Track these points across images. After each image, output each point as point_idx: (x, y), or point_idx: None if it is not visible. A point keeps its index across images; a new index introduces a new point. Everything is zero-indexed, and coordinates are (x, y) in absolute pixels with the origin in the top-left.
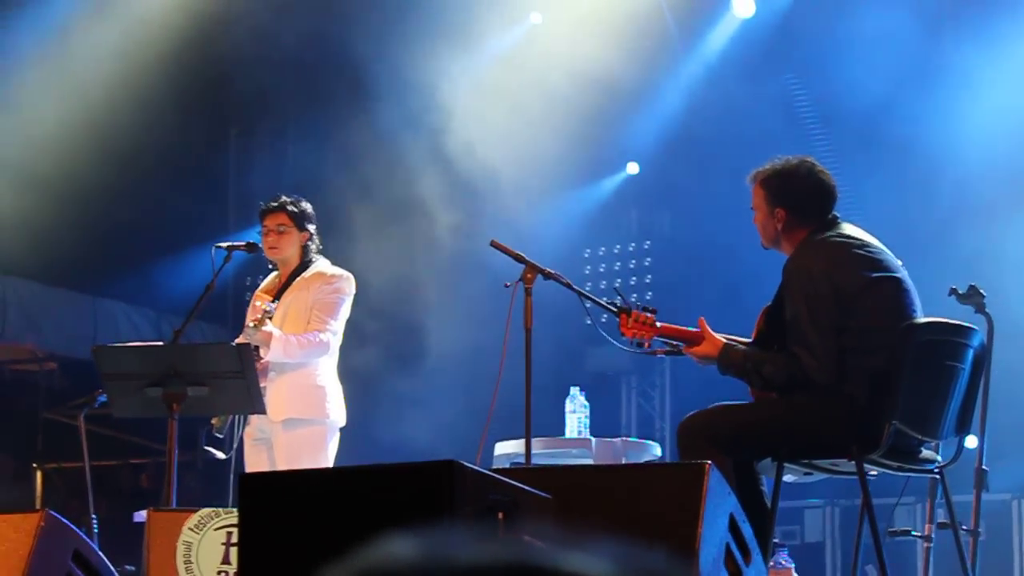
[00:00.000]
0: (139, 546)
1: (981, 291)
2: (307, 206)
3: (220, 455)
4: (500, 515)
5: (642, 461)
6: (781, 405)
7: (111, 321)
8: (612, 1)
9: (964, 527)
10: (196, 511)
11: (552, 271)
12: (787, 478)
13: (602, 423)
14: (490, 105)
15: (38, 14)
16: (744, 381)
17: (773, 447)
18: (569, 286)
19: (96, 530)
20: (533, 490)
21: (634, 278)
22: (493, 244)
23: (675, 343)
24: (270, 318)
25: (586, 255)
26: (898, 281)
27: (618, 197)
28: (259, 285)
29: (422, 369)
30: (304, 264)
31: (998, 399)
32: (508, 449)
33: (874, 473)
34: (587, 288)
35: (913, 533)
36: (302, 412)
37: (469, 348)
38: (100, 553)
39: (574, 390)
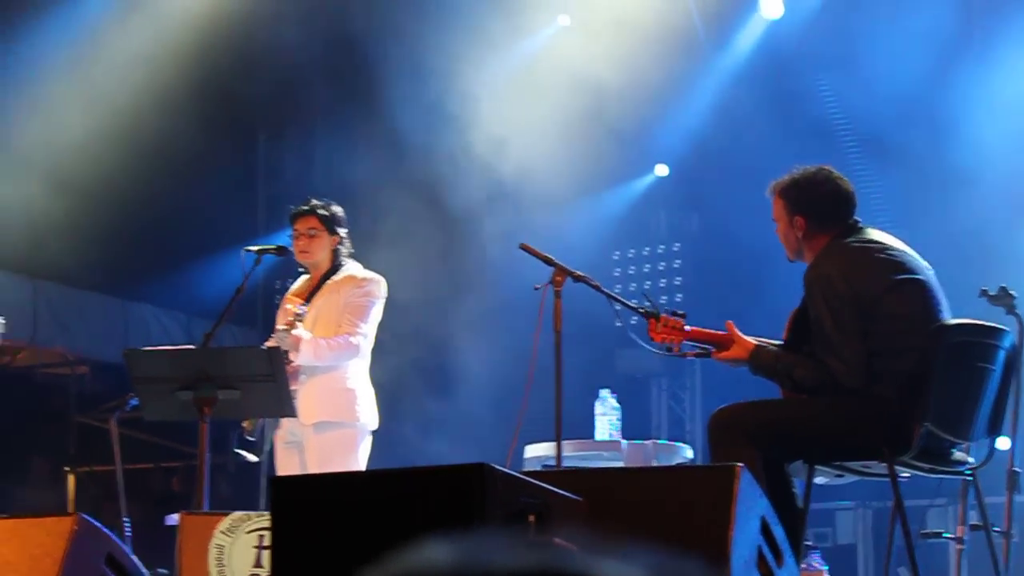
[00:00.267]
0: (171, 549)
1: (1012, 292)
2: (338, 209)
3: (252, 458)
4: (531, 518)
5: (673, 463)
6: (812, 406)
7: (142, 324)
8: (640, 3)
9: (996, 529)
10: (228, 514)
11: (581, 274)
12: (818, 480)
13: (632, 425)
14: (518, 108)
15: (65, 20)
16: (775, 382)
17: (804, 448)
18: (598, 288)
19: (129, 533)
20: (564, 492)
21: (663, 281)
22: (522, 247)
23: (704, 347)
24: (300, 321)
25: (615, 258)
26: (922, 283)
27: (647, 200)
28: (289, 288)
29: (451, 372)
30: (335, 267)
31: None
32: (538, 452)
33: (906, 475)
34: (616, 291)
35: (945, 535)
36: (333, 415)
37: (499, 351)
38: (133, 556)
39: (604, 392)
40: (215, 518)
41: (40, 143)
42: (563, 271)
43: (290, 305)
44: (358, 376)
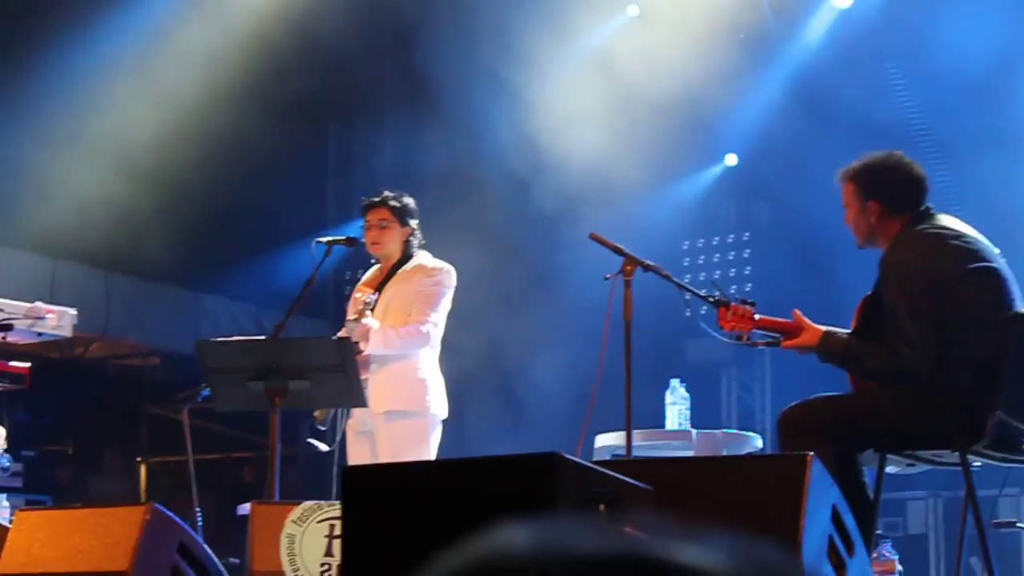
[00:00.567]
0: (243, 539)
1: None
2: (409, 201)
3: (323, 448)
4: (601, 507)
5: (743, 453)
6: (883, 397)
7: (213, 316)
8: None
9: None
10: (299, 504)
11: (651, 263)
12: (889, 469)
13: (702, 415)
14: (587, 98)
15: (133, 17)
16: (845, 370)
17: (875, 438)
18: (668, 278)
19: (200, 523)
20: (634, 482)
21: (732, 270)
22: (593, 237)
23: (774, 335)
24: (371, 310)
25: (684, 247)
26: (995, 271)
27: (716, 189)
28: (359, 279)
29: (521, 362)
30: (406, 257)
31: None
32: (608, 441)
33: (977, 464)
34: (685, 280)
35: (1018, 524)
36: (403, 404)
37: (568, 340)
38: (205, 546)
39: (674, 382)
40: (286, 508)
41: (111, 138)
42: (633, 261)
43: (360, 294)
44: (428, 365)
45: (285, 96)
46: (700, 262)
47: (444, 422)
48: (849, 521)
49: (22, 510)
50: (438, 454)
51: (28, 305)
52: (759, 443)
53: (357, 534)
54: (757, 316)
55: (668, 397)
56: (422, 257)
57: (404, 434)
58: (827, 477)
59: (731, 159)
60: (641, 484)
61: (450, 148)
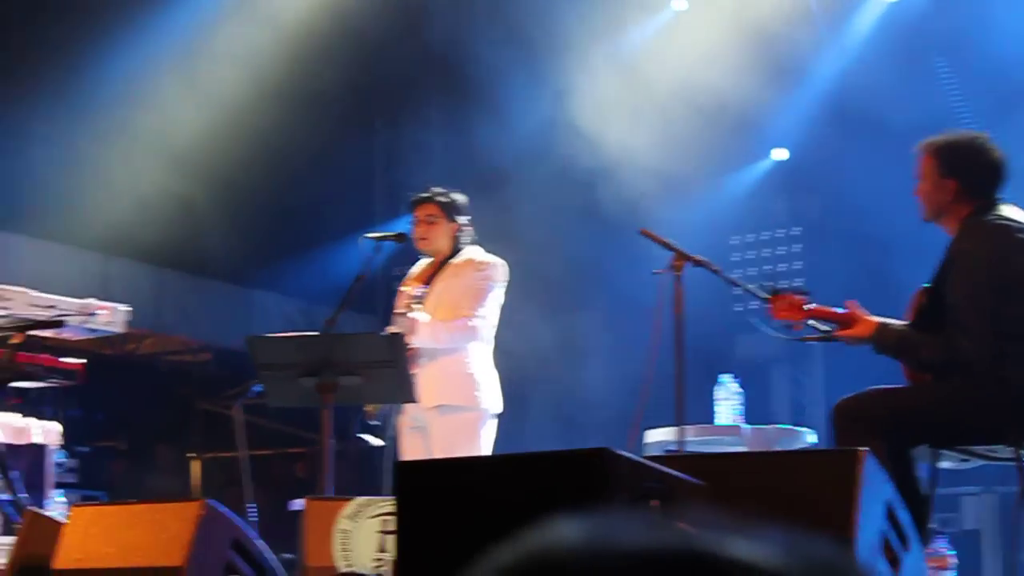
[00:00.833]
0: (295, 534)
1: None
2: (459, 197)
3: (376, 443)
4: (654, 502)
5: (795, 448)
6: (938, 390)
7: (263, 311)
8: None
9: None
10: (352, 499)
11: (701, 258)
12: (944, 465)
13: (753, 411)
14: (634, 93)
15: (182, 15)
16: (900, 361)
17: (930, 433)
18: (719, 273)
19: (254, 519)
20: (686, 477)
21: (783, 265)
22: (642, 232)
23: (826, 328)
24: (419, 304)
25: (734, 242)
26: None
27: (766, 183)
28: (409, 274)
29: (572, 358)
30: (456, 251)
31: None
32: (659, 437)
33: None
34: (735, 276)
35: None
36: (454, 399)
37: (618, 336)
38: (259, 541)
39: (725, 377)
40: (339, 503)
41: (162, 136)
42: (683, 256)
43: (408, 288)
44: (480, 360)
45: (332, 93)
46: (749, 257)
47: (499, 417)
48: (903, 516)
49: (77, 506)
50: (492, 449)
51: (81, 301)
52: (811, 438)
53: (411, 529)
54: (810, 306)
55: (719, 392)
56: (472, 251)
57: (456, 429)
58: (881, 472)
59: (780, 153)
60: (693, 479)
61: (497, 143)
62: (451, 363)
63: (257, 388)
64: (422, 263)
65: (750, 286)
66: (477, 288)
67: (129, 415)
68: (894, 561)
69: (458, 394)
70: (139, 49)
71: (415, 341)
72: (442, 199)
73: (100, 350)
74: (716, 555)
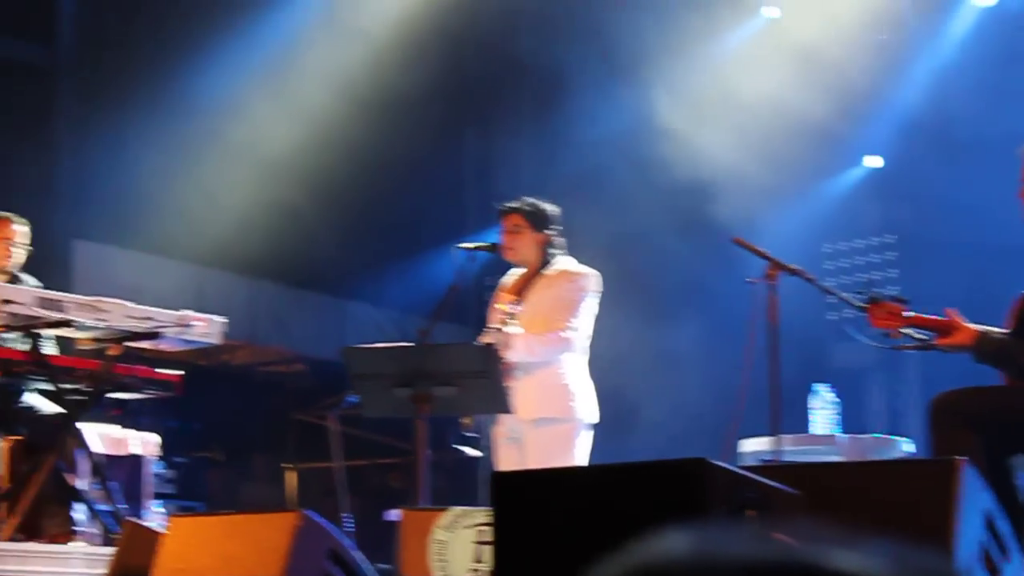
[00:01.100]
0: (391, 545)
1: None
2: (547, 207)
3: (473, 453)
4: (751, 513)
5: (891, 458)
6: None
7: (356, 322)
8: None
9: None
10: (448, 510)
11: (796, 267)
12: None
13: (849, 420)
14: (726, 100)
15: (274, 29)
16: (1001, 370)
17: None
18: (813, 282)
19: (350, 529)
20: (782, 487)
21: (876, 273)
22: (736, 241)
23: (924, 336)
24: (512, 318)
25: (827, 251)
26: None
27: (859, 191)
28: (501, 285)
29: (667, 368)
30: (546, 263)
31: None
32: (754, 447)
33: None
34: (828, 284)
35: None
36: (551, 411)
37: (713, 345)
38: (355, 552)
39: (821, 387)
40: (435, 514)
41: (255, 150)
42: (777, 265)
43: (502, 304)
44: (575, 371)
45: (422, 103)
46: (843, 265)
47: (594, 427)
48: (1003, 526)
49: (175, 516)
50: (589, 460)
51: (177, 313)
52: (908, 447)
53: (507, 540)
54: (908, 314)
55: (815, 401)
56: (564, 262)
57: (553, 440)
58: (979, 481)
59: (873, 160)
60: (789, 489)
61: (587, 151)
62: (547, 375)
63: (352, 399)
64: (514, 274)
65: (846, 294)
66: (570, 299)
67: (225, 426)
68: (994, 572)
69: (554, 406)
70: (232, 62)
71: (510, 355)
72: (528, 209)
73: (196, 361)
74: (823, 567)
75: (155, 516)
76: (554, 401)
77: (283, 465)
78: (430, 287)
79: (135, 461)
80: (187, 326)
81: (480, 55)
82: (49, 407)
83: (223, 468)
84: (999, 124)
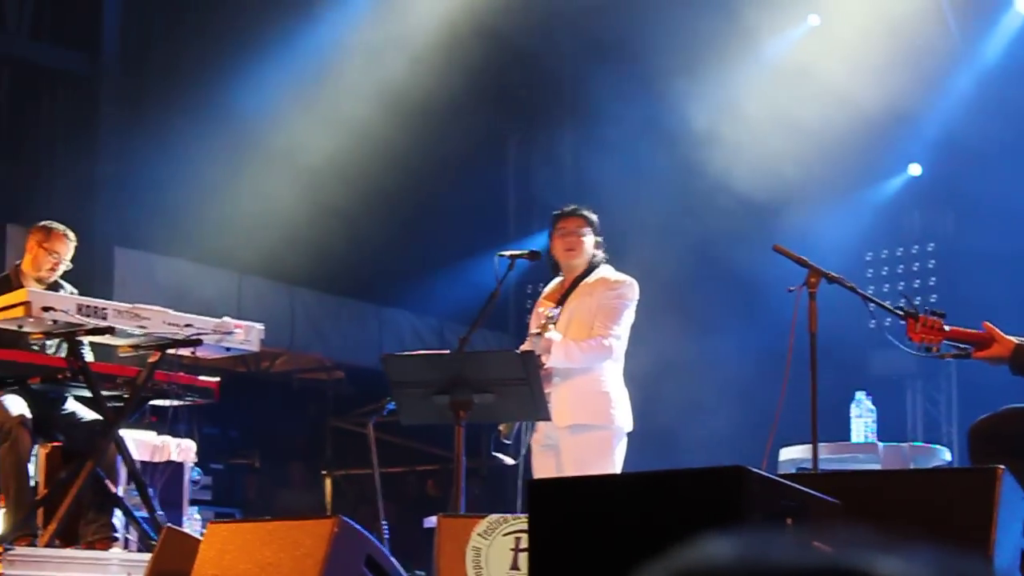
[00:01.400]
0: (428, 552)
1: None
2: (595, 216)
3: (509, 461)
4: (790, 520)
5: (930, 466)
6: None
7: (395, 329)
8: (890, 1)
9: None
10: (484, 517)
11: (836, 275)
12: None
13: (887, 428)
14: (767, 109)
15: (315, 36)
16: None
17: None
18: (854, 290)
19: (387, 535)
20: (821, 495)
21: (917, 281)
22: (776, 248)
23: (963, 347)
24: (553, 324)
25: (868, 258)
26: None
27: (900, 199)
28: (540, 292)
29: (705, 374)
30: (589, 270)
31: None
32: (793, 455)
33: None
34: (868, 292)
35: None
36: (588, 418)
37: (752, 353)
38: (392, 558)
39: (860, 395)
40: (472, 521)
41: (294, 157)
42: (817, 272)
43: (542, 309)
44: (612, 378)
45: (465, 113)
46: (883, 273)
47: (629, 435)
48: None
49: (213, 523)
50: (624, 467)
51: (217, 320)
52: (947, 456)
53: (544, 547)
54: (947, 327)
55: (854, 410)
56: (604, 270)
57: (589, 447)
58: (1018, 491)
59: (915, 169)
60: (828, 498)
61: (626, 161)
62: (585, 382)
63: (391, 406)
64: (555, 282)
65: (886, 303)
66: (610, 307)
67: (263, 433)
68: None
69: (591, 413)
70: (275, 70)
71: (549, 361)
72: (588, 214)
73: (234, 368)
74: (867, 572)
75: (192, 522)
76: (591, 408)
77: (321, 472)
78: (469, 295)
79: (173, 468)
80: (227, 333)
81: (521, 62)
82: (88, 414)
83: (260, 475)
84: None
